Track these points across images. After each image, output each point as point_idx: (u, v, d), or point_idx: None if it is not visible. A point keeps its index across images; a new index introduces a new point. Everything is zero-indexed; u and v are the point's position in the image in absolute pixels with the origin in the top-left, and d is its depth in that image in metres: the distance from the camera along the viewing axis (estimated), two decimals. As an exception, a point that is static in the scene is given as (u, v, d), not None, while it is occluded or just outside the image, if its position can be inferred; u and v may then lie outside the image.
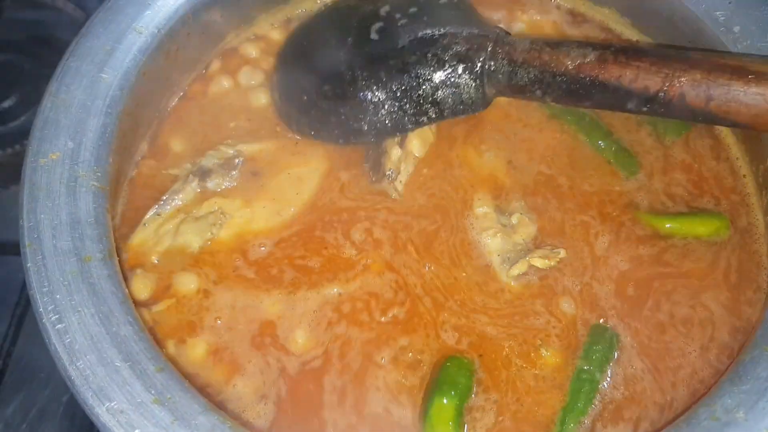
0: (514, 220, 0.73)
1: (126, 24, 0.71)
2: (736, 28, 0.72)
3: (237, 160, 0.76)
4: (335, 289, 0.69)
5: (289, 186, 0.75)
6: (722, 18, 0.73)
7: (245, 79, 0.82)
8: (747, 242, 0.71)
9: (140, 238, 0.71)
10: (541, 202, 0.74)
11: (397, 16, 0.75)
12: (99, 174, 0.64)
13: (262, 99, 0.81)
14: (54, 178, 0.63)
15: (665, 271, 0.70)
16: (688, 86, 0.61)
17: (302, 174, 0.76)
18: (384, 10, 0.76)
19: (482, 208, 0.74)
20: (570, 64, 0.66)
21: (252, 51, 0.84)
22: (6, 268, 0.90)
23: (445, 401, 0.63)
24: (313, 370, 0.65)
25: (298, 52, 0.80)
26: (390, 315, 0.68)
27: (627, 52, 0.65)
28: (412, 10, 0.75)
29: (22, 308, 0.88)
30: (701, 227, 0.72)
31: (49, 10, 1.09)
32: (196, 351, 0.66)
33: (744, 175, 0.75)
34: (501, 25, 0.78)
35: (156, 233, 0.72)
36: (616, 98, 0.65)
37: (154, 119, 0.77)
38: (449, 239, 0.72)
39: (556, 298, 0.69)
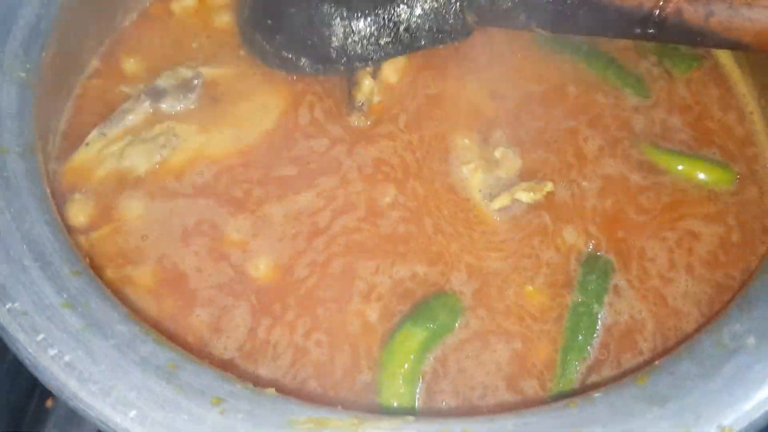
0: (497, 153, 0.66)
1: None
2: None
3: (195, 82, 0.68)
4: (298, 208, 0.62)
5: (251, 114, 0.68)
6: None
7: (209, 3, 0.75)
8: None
9: (81, 158, 0.64)
10: (527, 135, 0.66)
11: None
12: (28, 66, 0.57)
13: (226, 20, 0.74)
14: (-27, 66, 0.56)
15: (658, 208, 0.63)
16: (686, 1, 0.55)
17: (267, 102, 0.69)
18: None
19: (464, 140, 0.66)
20: None
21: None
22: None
23: (415, 330, 0.55)
24: (277, 296, 0.58)
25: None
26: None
27: None
28: None
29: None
30: (707, 173, 0.65)
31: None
32: (141, 282, 0.58)
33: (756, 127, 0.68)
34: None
35: (99, 154, 0.64)
36: (607, 20, 0.60)
37: (107, 34, 0.71)
38: (426, 174, 0.65)
39: (545, 229, 0.62)
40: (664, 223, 0.62)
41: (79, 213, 0.61)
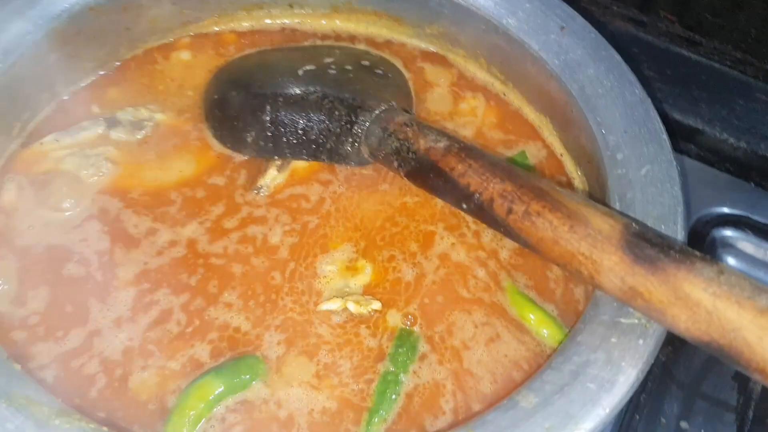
0: (358, 263, 0.75)
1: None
2: (620, 156, 0.71)
3: (147, 124, 0.82)
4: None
5: (176, 164, 0.80)
6: (613, 143, 0.73)
7: (202, 63, 0.89)
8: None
9: (32, 151, 0.78)
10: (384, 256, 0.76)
11: (332, 67, 0.83)
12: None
13: (202, 85, 0.86)
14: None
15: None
16: (498, 194, 0.64)
17: (193, 158, 0.81)
18: (327, 60, 0.84)
19: (341, 244, 0.76)
20: (423, 145, 0.70)
21: (217, 43, 0.91)
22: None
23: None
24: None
25: (240, 62, 0.88)
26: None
27: (469, 151, 0.68)
28: (348, 66, 0.84)
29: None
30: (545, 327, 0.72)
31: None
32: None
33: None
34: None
35: (46, 154, 0.78)
36: (446, 188, 0.69)
37: (105, 62, 0.85)
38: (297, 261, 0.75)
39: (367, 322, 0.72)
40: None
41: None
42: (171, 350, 0.68)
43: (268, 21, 0.93)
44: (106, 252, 0.72)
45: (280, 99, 0.78)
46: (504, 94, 0.89)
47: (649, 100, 0.74)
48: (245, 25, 0.92)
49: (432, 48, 0.93)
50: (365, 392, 0.67)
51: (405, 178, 0.74)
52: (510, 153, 0.85)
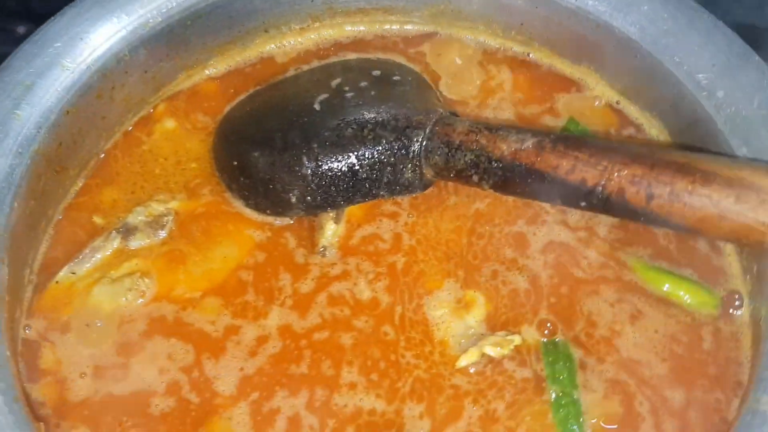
0: (467, 296, 0.67)
1: (52, 59, 0.66)
2: (720, 93, 0.65)
3: (166, 219, 0.70)
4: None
5: (219, 251, 0.69)
6: (705, 81, 0.66)
7: (189, 126, 0.77)
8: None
9: (49, 295, 0.66)
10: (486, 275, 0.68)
11: (345, 89, 0.72)
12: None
13: (204, 151, 0.75)
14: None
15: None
16: (628, 181, 0.56)
17: (236, 239, 0.70)
18: (335, 82, 0.73)
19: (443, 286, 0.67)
20: (506, 150, 0.62)
21: (197, 97, 0.78)
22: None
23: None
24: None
25: (240, 113, 0.76)
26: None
27: (566, 142, 0.60)
28: (363, 83, 0.72)
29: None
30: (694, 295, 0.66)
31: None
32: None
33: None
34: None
35: (67, 293, 0.66)
36: (552, 190, 0.61)
37: (87, 162, 0.72)
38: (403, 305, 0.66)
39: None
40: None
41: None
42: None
43: (241, 57, 0.81)
44: (192, 368, 0.62)
45: (315, 145, 0.67)
46: (529, 55, 0.80)
47: (723, 24, 0.66)
48: (221, 67, 0.80)
49: (430, 28, 0.82)
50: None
51: (491, 191, 0.65)
52: (560, 122, 0.76)
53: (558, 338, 0.64)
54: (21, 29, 0.91)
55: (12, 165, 0.61)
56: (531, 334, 0.64)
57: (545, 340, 0.64)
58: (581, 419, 0.60)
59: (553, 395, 0.61)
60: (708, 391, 0.61)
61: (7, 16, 0.94)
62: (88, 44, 0.68)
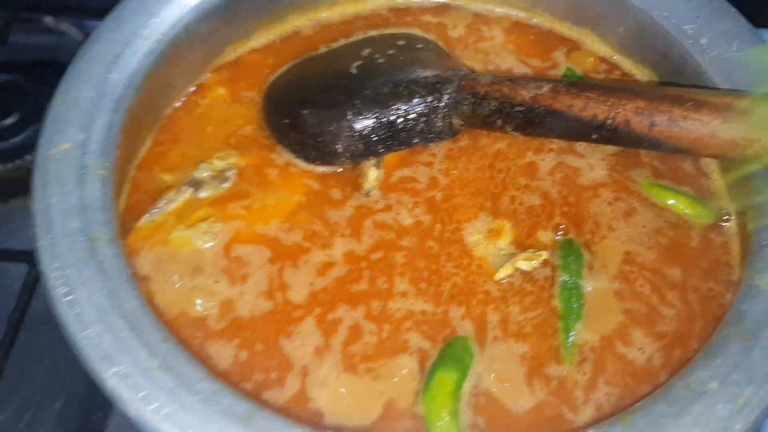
0: (496, 225, 0.77)
1: (132, 31, 0.76)
2: (704, 40, 0.77)
3: (229, 173, 0.79)
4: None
5: (280, 194, 0.79)
6: (690, 31, 0.78)
7: (236, 93, 0.86)
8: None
9: (134, 238, 0.74)
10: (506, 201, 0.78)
11: (376, 56, 0.83)
12: (107, 164, 0.68)
13: (251, 114, 0.85)
14: (64, 167, 0.66)
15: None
16: (633, 113, 0.68)
17: (291, 185, 0.80)
18: (365, 52, 0.84)
19: (478, 217, 0.78)
20: (527, 95, 0.72)
21: (242, 68, 0.88)
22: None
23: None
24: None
25: (285, 81, 0.86)
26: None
27: (578, 85, 0.71)
28: (390, 51, 0.83)
29: (18, 317, 0.88)
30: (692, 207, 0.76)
31: (54, 35, 1.14)
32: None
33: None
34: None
35: (149, 237, 0.75)
36: (568, 126, 0.71)
37: (154, 124, 0.81)
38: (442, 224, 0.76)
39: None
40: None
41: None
42: (382, 363, 0.68)
43: (278, 31, 0.91)
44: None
45: (357, 101, 0.78)
46: (531, 19, 0.91)
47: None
48: (262, 41, 0.90)
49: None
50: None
51: (513, 133, 0.76)
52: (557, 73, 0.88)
53: (571, 237, 0.75)
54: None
55: (111, 120, 0.71)
56: (547, 236, 0.75)
57: (559, 238, 0.75)
58: (582, 300, 0.71)
59: (562, 280, 0.72)
60: (702, 281, 0.72)
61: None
62: (160, 17, 0.78)
